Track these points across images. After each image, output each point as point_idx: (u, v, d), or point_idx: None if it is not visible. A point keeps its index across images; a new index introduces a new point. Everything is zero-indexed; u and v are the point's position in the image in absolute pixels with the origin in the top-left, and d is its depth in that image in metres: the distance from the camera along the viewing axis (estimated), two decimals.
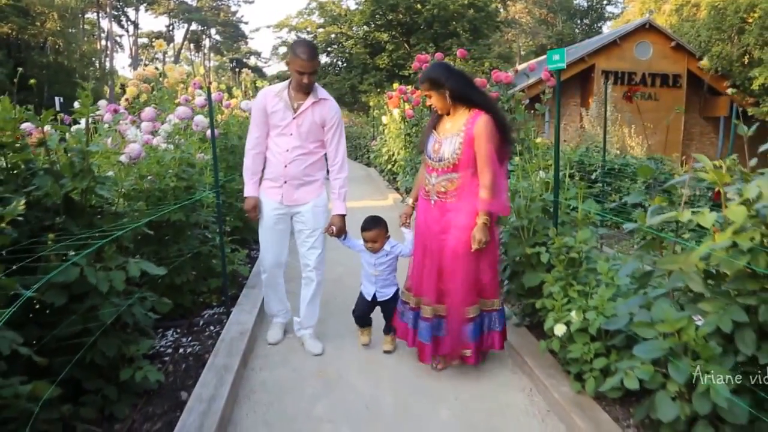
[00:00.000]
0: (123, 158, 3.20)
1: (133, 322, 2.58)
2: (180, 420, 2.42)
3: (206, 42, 48.83)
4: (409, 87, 9.38)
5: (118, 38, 42.97)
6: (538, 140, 5.35)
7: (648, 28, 19.64)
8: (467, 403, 2.85)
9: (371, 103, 16.93)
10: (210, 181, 4.14)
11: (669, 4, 26.07)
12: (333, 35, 33.15)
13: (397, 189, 9.89)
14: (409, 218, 3.31)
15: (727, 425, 1.98)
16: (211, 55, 48.59)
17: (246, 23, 74.14)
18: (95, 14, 38.87)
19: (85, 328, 2.30)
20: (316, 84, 3.20)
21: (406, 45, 30.32)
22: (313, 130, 3.22)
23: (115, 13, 41.02)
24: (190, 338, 3.46)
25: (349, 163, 3.50)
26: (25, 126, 2.57)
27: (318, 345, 3.45)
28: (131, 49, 44.66)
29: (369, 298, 3.37)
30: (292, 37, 35.44)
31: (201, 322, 3.72)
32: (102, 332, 2.32)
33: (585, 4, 45.11)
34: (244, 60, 46.97)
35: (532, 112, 6.14)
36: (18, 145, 2.38)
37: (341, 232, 3.30)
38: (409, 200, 3.32)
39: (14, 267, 1.93)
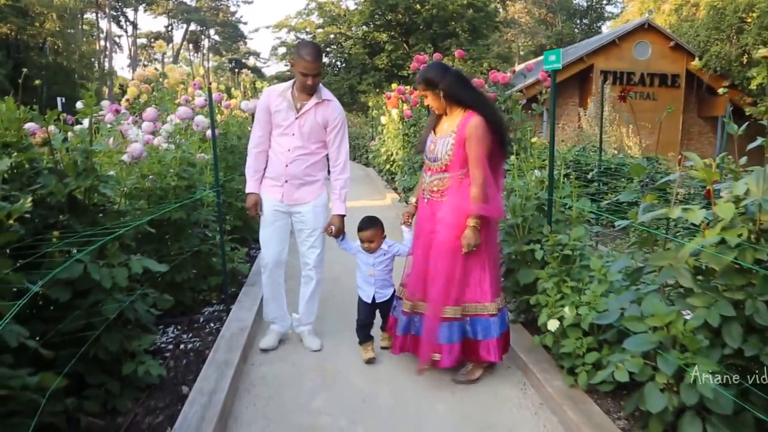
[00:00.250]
0: (125, 157, 3.25)
1: (135, 318, 2.63)
2: (182, 412, 2.48)
3: (205, 42, 48.89)
4: (408, 87, 9.42)
5: (116, 39, 43.11)
6: (534, 140, 5.40)
7: (647, 28, 19.75)
8: (463, 397, 2.91)
9: (370, 104, 16.96)
10: (210, 181, 4.20)
11: (668, 4, 26.13)
12: (332, 35, 33.22)
13: (395, 189, 9.93)
14: (411, 217, 3.31)
15: (713, 415, 2.04)
16: (210, 55, 48.63)
17: (245, 23, 74.19)
18: (94, 15, 38.97)
19: (88, 324, 2.35)
20: (320, 85, 3.21)
21: (405, 45, 30.39)
22: (315, 131, 3.24)
23: (114, 13, 41.07)
24: (190, 335, 3.51)
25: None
26: (29, 126, 2.62)
27: (316, 341, 3.50)
28: (130, 50, 44.77)
29: (369, 301, 3.32)
30: (291, 37, 35.56)
31: (201, 320, 3.77)
32: (105, 328, 2.37)
33: (584, 4, 45.20)
34: (243, 60, 46.98)
35: (530, 112, 6.19)
36: (23, 144, 2.43)
37: (340, 233, 3.30)
38: (412, 199, 3.31)
39: (20, 263, 1.99)
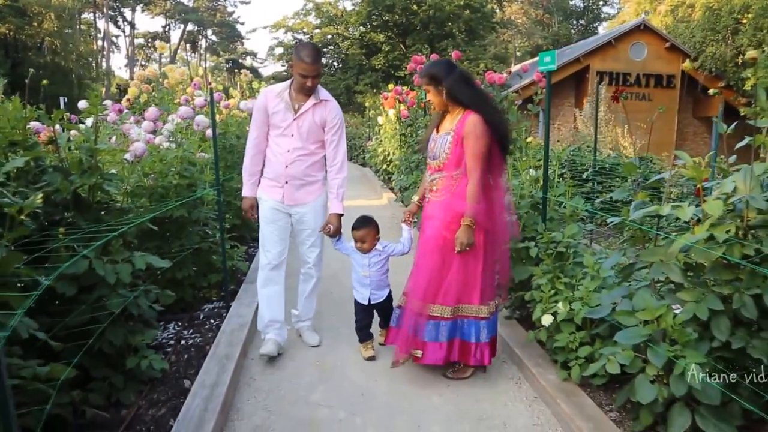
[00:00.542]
0: (127, 156, 3.30)
1: (138, 314, 2.69)
2: (185, 403, 2.54)
3: (202, 42, 48.89)
4: (405, 88, 9.46)
5: (114, 39, 43.08)
6: (530, 140, 5.47)
7: (643, 29, 19.82)
8: (458, 390, 2.97)
9: (367, 104, 16.97)
10: (210, 179, 4.24)
11: (664, 5, 26.24)
12: (329, 36, 33.23)
13: (392, 189, 9.98)
14: (412, 215, 3.31)
15: (701, 406, 2.11)
16: (207, 55, 48.63)
17: (242, 24, 74.13)
18: (92, 15, 38.93)
19: (93, 318, 2.40)
20: (318, 85, 3.22)
21: (402, 46, 30.45)
22: (313, 131, 3.23)
23: (112, 13, 41.08)
24: (191, 331, 3.56)
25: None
26: (34, 125, 2.67)
27: (315, 337, 3.56)
28: (127, 50, 44.74)
29: (365, 302, 3.32)
30: (288, 38, 35.55)
31: (201, 316, 3.83)
32: (109, 322, 2.43)
33: (581, 5, 45.37)
34: (240, 60, 46.98)
35: (525, 112, 6.25)
36: (28, 143, 2.49)
37: (337, 232, 3.31)
38: (415, 198, 3.30)
39: (27, 258, 2.04)
